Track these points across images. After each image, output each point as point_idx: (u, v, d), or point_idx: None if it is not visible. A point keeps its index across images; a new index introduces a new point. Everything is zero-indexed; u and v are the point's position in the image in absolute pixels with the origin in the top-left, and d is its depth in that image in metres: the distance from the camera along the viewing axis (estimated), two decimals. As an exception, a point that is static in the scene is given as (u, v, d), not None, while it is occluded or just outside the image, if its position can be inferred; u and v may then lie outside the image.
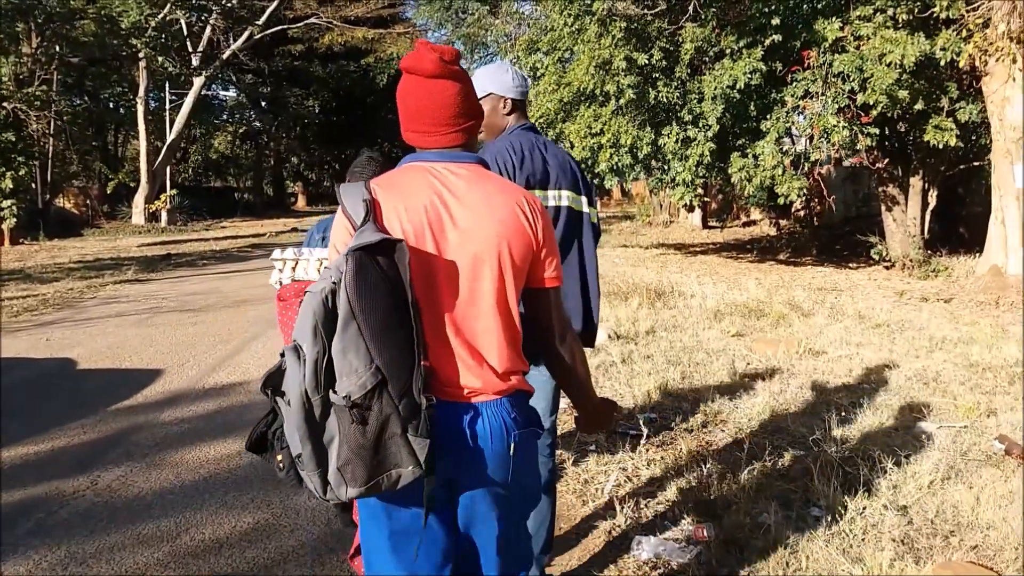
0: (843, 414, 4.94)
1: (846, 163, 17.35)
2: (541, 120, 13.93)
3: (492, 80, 2.68)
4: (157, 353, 7.01)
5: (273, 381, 1.54)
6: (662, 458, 4.26)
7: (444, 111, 1.73)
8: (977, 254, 13.98)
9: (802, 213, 19.32)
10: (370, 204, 1.62)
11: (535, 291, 1.80)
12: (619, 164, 12.62)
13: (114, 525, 3.54)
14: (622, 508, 3.59)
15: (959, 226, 16.27)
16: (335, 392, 1.46)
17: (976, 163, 13.53)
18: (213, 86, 36.90)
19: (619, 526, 3.47)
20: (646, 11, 11.69)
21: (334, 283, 1.47)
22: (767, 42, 11.28)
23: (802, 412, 5.04)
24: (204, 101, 34.25)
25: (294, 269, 2.57)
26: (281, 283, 2.58)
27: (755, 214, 24.92)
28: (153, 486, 3.99)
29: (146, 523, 3.56)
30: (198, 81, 27.87)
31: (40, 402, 5.48)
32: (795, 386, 5.66)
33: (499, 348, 1.71)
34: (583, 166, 13.51)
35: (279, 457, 1.60)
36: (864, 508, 3.52)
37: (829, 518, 3.46)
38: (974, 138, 12.72)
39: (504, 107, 2.67)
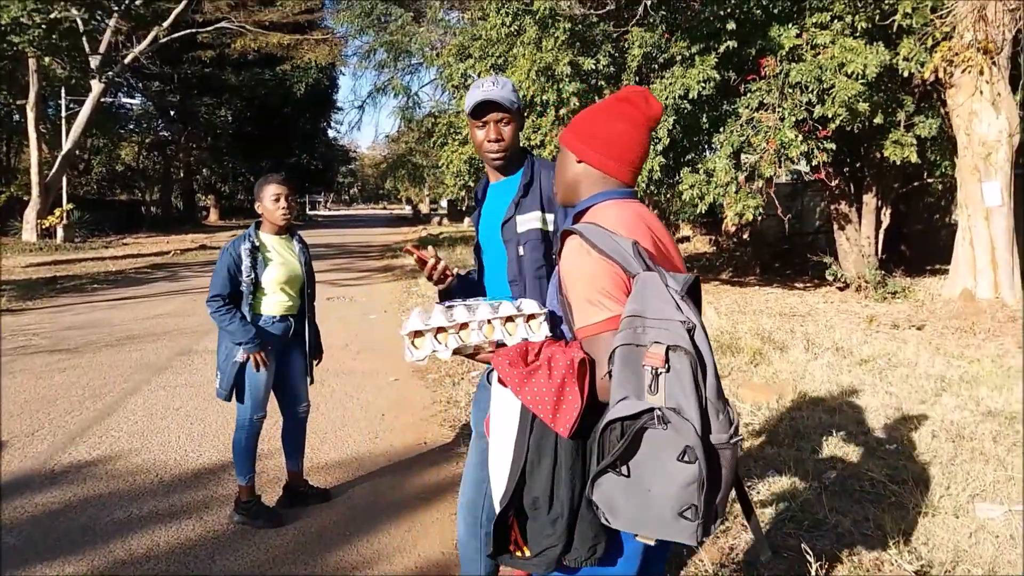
0: (890, 497, 3.91)
1: (780, 180, 16.76)
2: (475, 130, 12.80)
3: (519, 97, 2.56)
4: (4, 415, 5.52)
5: (625, 456, 1.47)
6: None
7: (645, 155, 1.85)
8: (926, 274, 13.53)
9: (732, 229, 18.70)
10: (640, 248, 1.62)
11: None
12: (562, 179, 11.55)
13: None
14: None
15: (900, 244, 15.86)
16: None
17: (929, 180, 13.03)
18: (117, 93, 34.49)
19: None
20: (591, 11, 10.70)
21: (689, 330, 1.47)
22: (721, 48, 10.42)
23: (834, 493, 3.99)
24: (106, 109, 31.92)
25: (459, 331, 1.81)
26: (436, 353, 1.79)
27: (684, 230, 24.35)
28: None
29: None
30: (97, 86, 25.68)
31: None
32: (808, 451, 4.63)
33: None
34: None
35: (540, 548, 1.64)
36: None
37: None
38: (927, 154, 12.17)
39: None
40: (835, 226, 12.95)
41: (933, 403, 5.81)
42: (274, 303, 3.80)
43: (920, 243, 16.45)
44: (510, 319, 1.75)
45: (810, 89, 10.05)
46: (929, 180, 12.81)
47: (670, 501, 1.45)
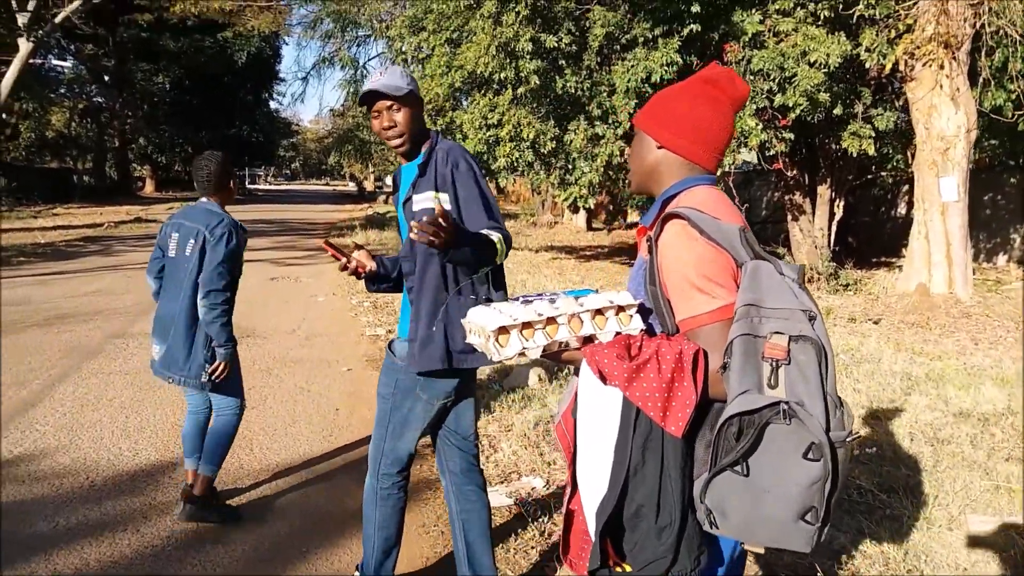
0: (882, 508, 3.73)
1: (732, 169, 16.72)
2: (430, 107, 12.39)
3: (411, 81, 2.62)
4: (-88, 404, 5.00)
5: (747, 454, 1.36)
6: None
7: (730, 140, 1.75)
8: (874, 266, 13.63)
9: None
10: (747, 235, 1.54)
11: None
12: (519, 160, 11.24)
13: None
14: None
15: (848, 236, 16.00)
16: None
17: (881, 172, 13.08)
18: (47, 55, 32.83)
19: None
20: (553, -14, 10.34)
21: (811, 318, 1.41)
22: (684, 32, 10.19)
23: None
24: (35, 71, 30.29)
25: (546, 327, 1.62)
26: (526, 351, 1.60)
27: (633, 216, 24.32)
28: None
29: None
30: (25, 46, 24.24)
31: None
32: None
33: None
34: (479, 160, 12.15)
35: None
36: None
37: None
38: (880, 147, 12.19)
39: (422, 109, 2.65)
40: (789, 217, 12.92)
41: (903, 402, 5.70)
42: None
43: (867, 235, 16.62)
44: (599, 312, 1.63)
45: (772, 77, 9.92)
46: (881, 173, 12.85)
47: (791, 503, 1.38)
